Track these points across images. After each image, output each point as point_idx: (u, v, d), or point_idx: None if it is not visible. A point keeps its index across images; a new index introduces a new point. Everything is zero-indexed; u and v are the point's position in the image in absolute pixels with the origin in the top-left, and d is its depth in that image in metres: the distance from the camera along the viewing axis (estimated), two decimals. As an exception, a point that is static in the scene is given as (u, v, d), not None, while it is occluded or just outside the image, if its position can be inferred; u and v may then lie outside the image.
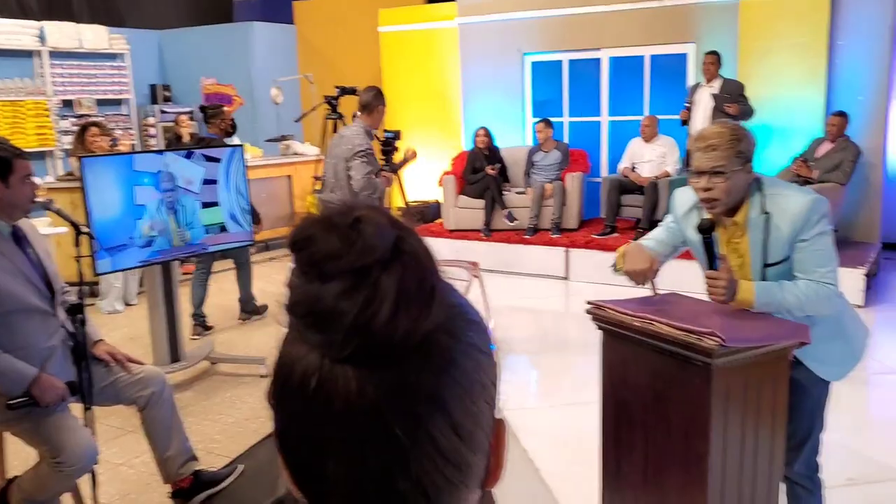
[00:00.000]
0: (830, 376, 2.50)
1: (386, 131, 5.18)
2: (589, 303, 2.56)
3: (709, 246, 2.42)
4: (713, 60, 6.91)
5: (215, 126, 6.45)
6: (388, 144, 5.08)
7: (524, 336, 5.83)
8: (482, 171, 7.80)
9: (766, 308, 2.33)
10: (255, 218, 5.33)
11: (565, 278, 7.37)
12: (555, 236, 7.54)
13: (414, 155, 5.44)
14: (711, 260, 2.41)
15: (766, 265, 2.40)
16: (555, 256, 7.41)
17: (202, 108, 6.70)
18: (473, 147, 8.00)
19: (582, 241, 7.35)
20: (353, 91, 5.33)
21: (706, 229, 2.41)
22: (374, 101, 4.83)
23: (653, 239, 2.69)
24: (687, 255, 2.67)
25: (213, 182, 5.79)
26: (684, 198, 2.61)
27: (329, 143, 5.11)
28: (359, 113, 4.87)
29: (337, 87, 5.56)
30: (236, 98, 10.94)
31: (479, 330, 0.60)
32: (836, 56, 6.95)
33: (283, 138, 9.18)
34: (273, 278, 7.88)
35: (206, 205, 5.51)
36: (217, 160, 5.89)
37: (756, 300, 2.32)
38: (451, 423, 0.55)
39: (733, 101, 6.64)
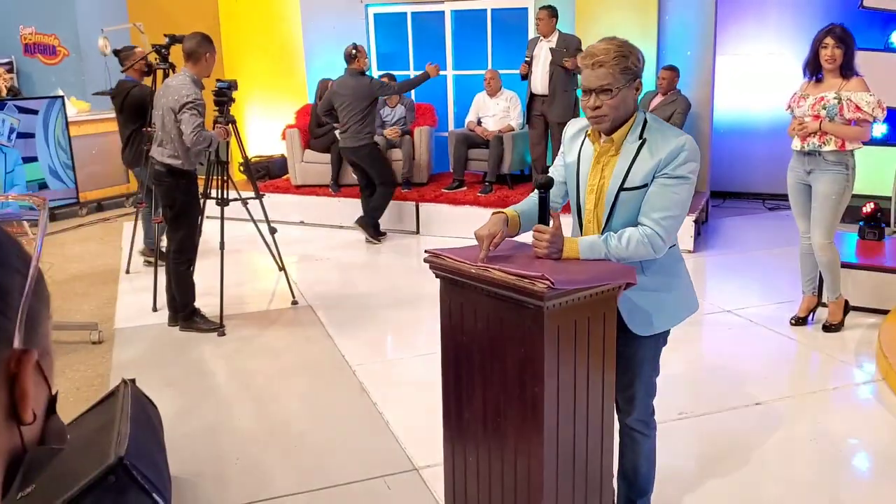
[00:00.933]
0: (663, 325, 2.55)
1: (219, 81, 4.91)
2: (427, 251, 2.54)
3: (543, 201, 2.41)
4: (546, 15, 6.92)
5: (132, 69, 6.01)
6: (223, 95, 4.81)
7: (376, 291, 5.80)
8: (327, 126, 7.61)
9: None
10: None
11: (416, 232, 7.38)
12: (405, 191, 7.51)
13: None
14: (545, 216, 2.40)
15: (623, 189, 2.41)
16: (405, 211, 7.39)
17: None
18: (316, 99, 7.78)
19: (431, 196, 7.37)
20: (180, 39, 5.00)
21: (543, 185, 2.40)
22: (199, 49, 4.53)
23: (526, 201, 2.62)
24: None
25: (31, 136, 5.34)
26: (573, 126, 2.59)
27: (156, 94, 4.79)
28: (185, 62, 4.57)
29: (166, 36, 5.19)
30: (60, 48, 10.11)
31: None
32: (665, 12, 7.25)
33: (113, 90, 8.56)
34: (107, 240, 7.41)
35: (23, 160, 5.09)
36: (34, 112, 5.42)
37: (581, 256, 2.36)
38: None
39: (571, 56, 6.75)
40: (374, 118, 6.83)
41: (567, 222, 2.46)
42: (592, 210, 2.50)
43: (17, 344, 0.60)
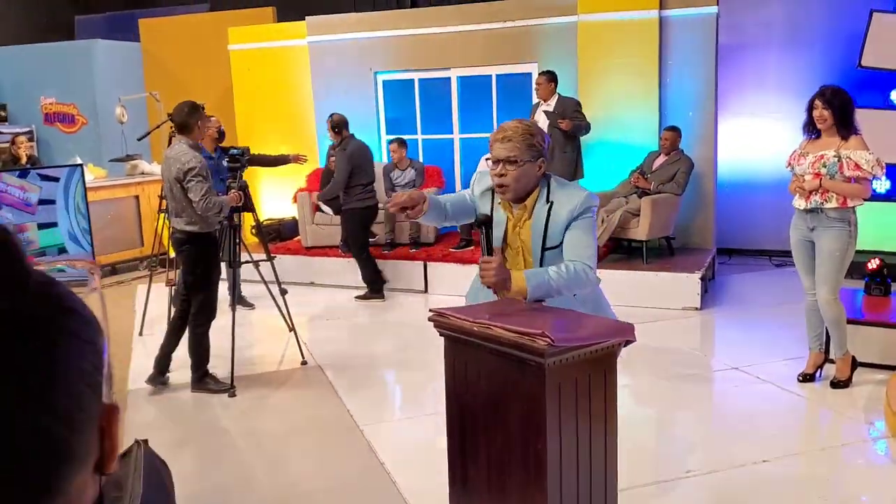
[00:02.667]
0: None
1: (232, 148, 5.06)
2: (431, 310, 2.60)
3: (487, 236, 2.68)
4: (545, 80, 7.10)
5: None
6: (236, 161, 4.96)
7: (385, 350, 5.84)
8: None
9: (538, 291, 2.57)
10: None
11: (425, 291, 7.45)
12: (413, 251, 7.61)
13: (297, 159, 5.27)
14: (489, 247, 2.68)
15: (545, 248, 2.70)
16: (413, 270, 7.48)
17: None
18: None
19: (439, 255, 7.46)
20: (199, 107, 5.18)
21: (482, 223, 2.68)
22: (190, 119, 4.68)
23: (447, 197, 2.94)
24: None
25: (52, 202, 5.49)
26: (485, 180, 2.85)
27: (161, 167, 4.93)
28: (176, 134, 4.73)
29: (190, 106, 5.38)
30: (78, 117, 10.41)
31: (81, 320, 0.65)
32: (666, 75, 7.43)
33: (129, 158, 8.81)
34: (121, 303, 7.51)
35: (43, 225, 5.22)
36: (55, 179, 5.58)
37: (528, 285, 2.56)
38: (45, 404, 0.58)
39: (568, 117, 6.88)
40: (358, 183, 6.95)
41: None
42: (521, 265, 2.78)
43: (105, 399, 0.65)
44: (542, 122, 7.02)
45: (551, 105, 7.05)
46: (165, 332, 5.02)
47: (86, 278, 0.84)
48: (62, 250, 5.39)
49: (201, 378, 4.90)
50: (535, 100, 7.89)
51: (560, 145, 6.98)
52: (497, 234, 2.76)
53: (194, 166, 4.55)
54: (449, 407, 2.61)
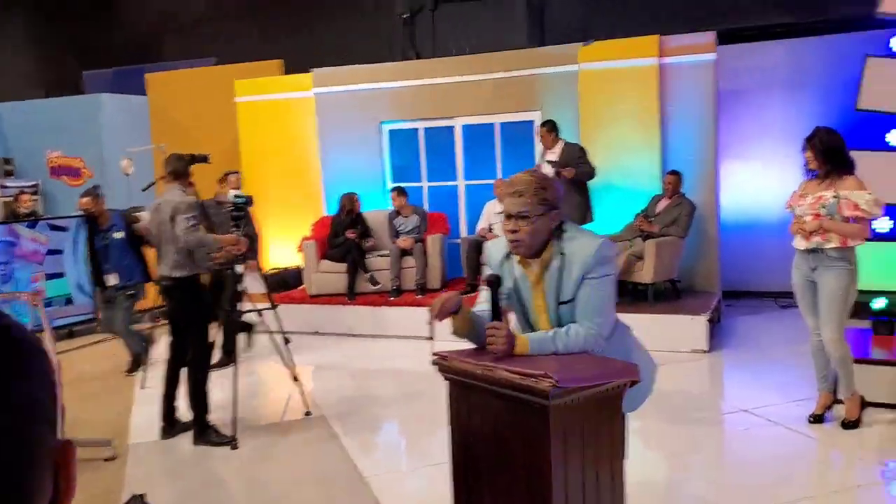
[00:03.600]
0: (623, 409, 2.59)
1: (237, 196, 5.11)
2: (434, 354, 2.60)
3: (494, 298, 2.56)
4: (546, 131, 7.21)
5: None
6: (240, 210, 5.01)
7: (390, 398, 5.80)
8: (343, 237, 7.84)
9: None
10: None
11: (431, 338, 7.41)
12: (420, 297, 7.61)
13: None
14: (497, 312, 2.55)
15: (560, 303, 2.58)
16: (420, 317, 7.46)
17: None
18: (338, 212, 8.04)
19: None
20: (203, 159, 5.24)
21: (493, 283, 2.58)
22: (178, 166, 4.85)
23: (478, 309, 2.73)
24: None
25: (59, 252, 5.52)
26: (496, 249, 2.76)
27: (150, 218, 5.00)
28: (172, 181, 4.86)
29: (187, 155, 5.44)
30: (84, 170, 10.52)
31: (36, 352, 0.61)
32: (667, 120, 7.51)
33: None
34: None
35: (51, 276, 5.23)
36: (64, 229, 5.62)
37: (531, 352, 2.47)
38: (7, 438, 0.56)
39: (572, 165, 6.94)
40: None
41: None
42: (544, 323, 2.65)
43: (59, 435, 0.63)
44: (548, 170, 7.08)
45: (556, 153, 7.13)
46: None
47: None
48: (69, 301, 5.41)
49: (203, 430, 4.86)
50: (538, 146, 7.98)
51: (567, 192, 7.02)
52: (525, 293, 2.65)
53: (187, 205, 4.66)
54: (454, 451, 2.58)
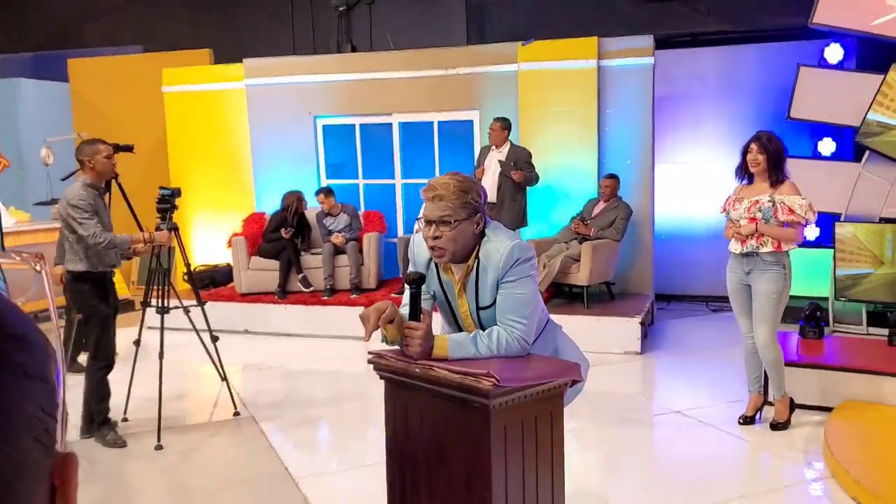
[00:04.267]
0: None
1: (162, 188, 4.89)
2: (370, 352, 2.49)
3: (414, 298, 2.43)
4: (498, 127, 7.10)
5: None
6: (165, 202, 4.78)
7: (322, 398, 5.64)
8: (278, 232, 7.63)
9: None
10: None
11: (366, 339, 7.26)
12: (354, 296, 7.46)
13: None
14: (416, 311, 2.42)
15: (480, 308, 2.48)
16: (354, 317, 7.30)
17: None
18: (281, 209, 7.78)
19: (380, 301, 7.30)
20: (129, 148, 4.99)
21: (414, 281, 2.43)
22: (80, 156, 4.59)
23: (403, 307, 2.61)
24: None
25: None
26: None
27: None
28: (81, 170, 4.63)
29: (110, 145, 5.17)
30: (0, 159, 10.01)
31: (25, 347, 0.49)
32: (605, 123, 7.55)
33: (55, 201, 8.46)
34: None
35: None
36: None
37: (450, 355, 2.35)
38: None
39: (518, 168, 6.91)
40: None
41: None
42: (472, 329, 2.54)
43: (59, 447, 0.53)
44: (495, 169, 7.02)
45: (503, 153, 7.06)
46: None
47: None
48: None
49: (97, 425, 4.71)
50: (477, 146, 7.92)
51: (511, 194, 6.98)
52: (451, 298, 2.53)
53: (77, 203, 4.43)
54: (389, 454, 2.48)
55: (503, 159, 6.99)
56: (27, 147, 9.74)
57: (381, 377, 2.46)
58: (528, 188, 7.10)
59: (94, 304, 4.64)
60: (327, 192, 7.78)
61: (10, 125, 9.91)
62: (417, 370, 2.30)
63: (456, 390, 2.18)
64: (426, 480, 2.36)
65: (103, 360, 4.68)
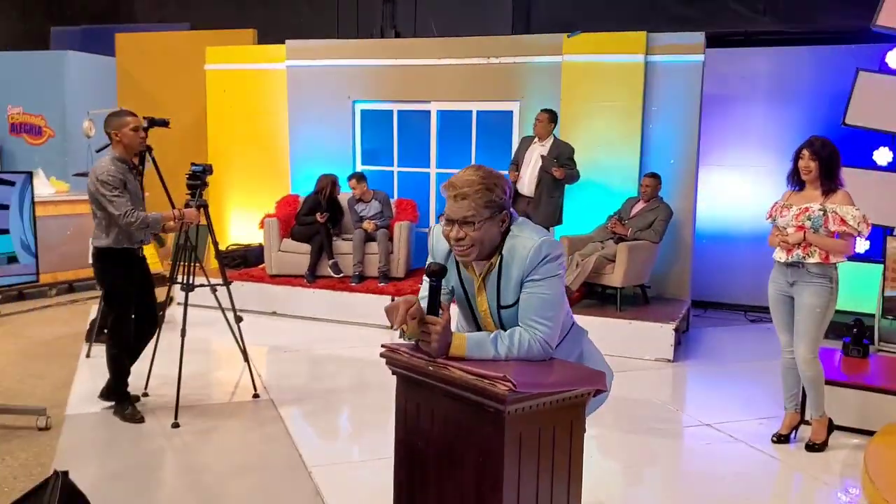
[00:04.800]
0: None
1: (194, 164, 4.82)
2: (384, 346, 2.37)
3: (434, 291, 2.29)
4: (546, 118, 6.91)
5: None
6: (196, 178, 4.71)
7: (344, 386, 5.56)
8: (313, 216, 7.57)
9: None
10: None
11: (392, 328, 7.18)
12: (382, 285, 7.38)
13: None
14: (435, 305, 2.28)
15: (501, 307, 2.35)
16: (381, 305, 7.21)
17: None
18: (315, 192, 7.73)
19: (409, 290, 7.20)
20: (164, 123, 4.94)
21: (435, 273, 2.30)
22: (107, 129, 4.51)
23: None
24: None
25: (6, 207, 5.20)
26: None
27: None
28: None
29: (146, 118, 5.11)
30: (45, 129, 10.13)
31: None
32: (649, 121, 7.33)
33: (82, 174, 8.52)
34: (71, 323, 7.16)
35: (-6, 230, 4.93)
36: (11, 184, 5.29)
37: (467, 354, 2.22)
38: None
39: (561, 165, 6.73)
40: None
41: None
42: (492, 328, 2.43)
43: None
44: (536, 162, 6.85)
45: (546, 147, 6.89)
46: None
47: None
48: (12, 259, 5.12)
49: (118, 399, 4.72)
50: (515, 137, 7.74)
51: (549, 191, 6.82)
52: (471, 295, 2.42)
53: (106, 179, 4.37)
54: (397, 452, 2.37)
55: (546, 153, 6.82)
56: (71, 119, 9.84)
57: (394, 372, 2.35)
58: (566, 185, 6.93)
59: (113, 281, 4.59)
60: (360, 177, 7.69)
61: (57, 96, 10.03)
62: (431, 368, 2.17)
63: (470, 392, 2.05)
64: (435, 482, 2.24)
65: (116, 346, 4.65)
